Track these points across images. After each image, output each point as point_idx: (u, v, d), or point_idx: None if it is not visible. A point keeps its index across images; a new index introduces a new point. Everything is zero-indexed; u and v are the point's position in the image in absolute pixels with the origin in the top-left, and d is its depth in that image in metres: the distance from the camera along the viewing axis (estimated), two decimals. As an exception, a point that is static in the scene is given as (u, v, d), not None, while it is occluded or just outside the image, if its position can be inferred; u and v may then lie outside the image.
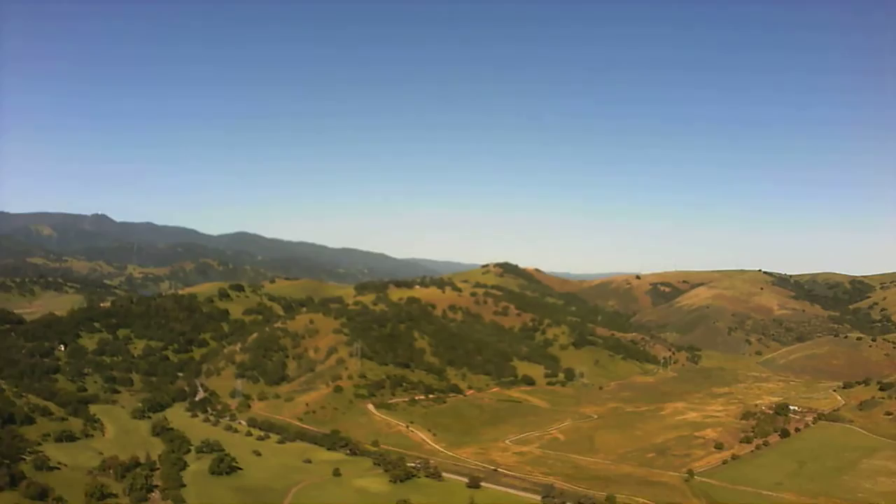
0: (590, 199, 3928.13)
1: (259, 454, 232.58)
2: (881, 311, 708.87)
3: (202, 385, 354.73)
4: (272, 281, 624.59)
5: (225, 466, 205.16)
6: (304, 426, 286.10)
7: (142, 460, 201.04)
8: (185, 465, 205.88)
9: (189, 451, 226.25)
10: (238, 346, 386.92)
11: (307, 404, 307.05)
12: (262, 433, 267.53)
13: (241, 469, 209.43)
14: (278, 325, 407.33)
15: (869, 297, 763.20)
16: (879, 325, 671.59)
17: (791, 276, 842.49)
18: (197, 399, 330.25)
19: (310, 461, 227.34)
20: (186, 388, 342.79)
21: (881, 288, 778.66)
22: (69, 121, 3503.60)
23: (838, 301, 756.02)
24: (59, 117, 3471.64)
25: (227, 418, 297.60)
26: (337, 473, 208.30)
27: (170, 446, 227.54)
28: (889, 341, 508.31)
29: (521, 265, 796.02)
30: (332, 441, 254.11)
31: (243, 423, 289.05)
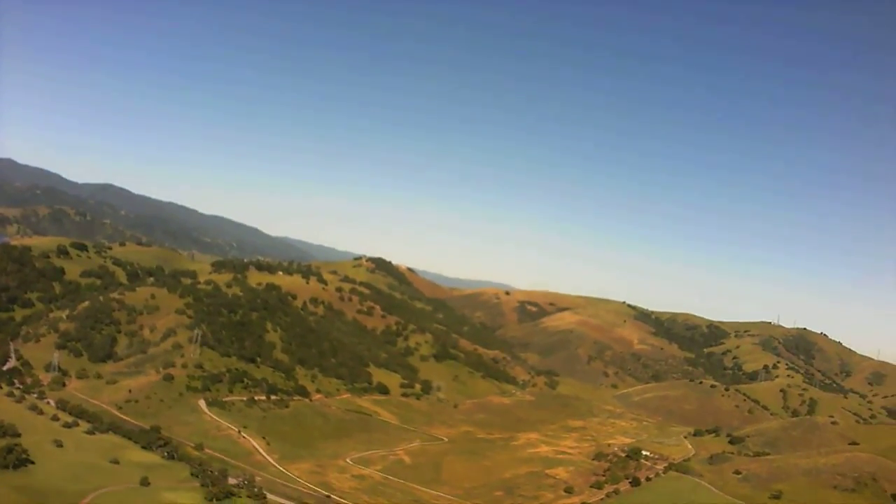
0: (475, 203, 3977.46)
1: (61, 445, 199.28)
2: (733, 358, 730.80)
3: (16, 351, 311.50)
4: (122, 244, 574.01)
5: (13, 458, 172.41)
6: (122, 416, 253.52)
7: None
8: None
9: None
10: (65, 313, 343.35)
11: (130, 390, 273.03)
12: (70, 419, 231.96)
13: (32, 463, 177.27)
14: (115, 294, 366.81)
15: (723, 342, 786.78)
16: (731, 372, 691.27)
17: (652, 312, 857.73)
18: (5, 367, 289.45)
19: (117, 462, 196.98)
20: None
21: (735, 336, 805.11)
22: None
23: (694, 343, 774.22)
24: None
25: (35, 395, 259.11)
26: (145, 482, 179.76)
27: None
28: (741, 392, 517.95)
29: (395, 261, 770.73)
30: (150, 439, 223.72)
31: (52, 403, 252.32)
